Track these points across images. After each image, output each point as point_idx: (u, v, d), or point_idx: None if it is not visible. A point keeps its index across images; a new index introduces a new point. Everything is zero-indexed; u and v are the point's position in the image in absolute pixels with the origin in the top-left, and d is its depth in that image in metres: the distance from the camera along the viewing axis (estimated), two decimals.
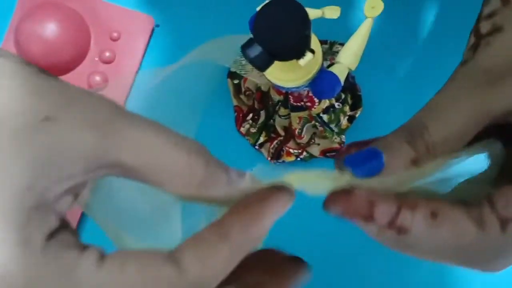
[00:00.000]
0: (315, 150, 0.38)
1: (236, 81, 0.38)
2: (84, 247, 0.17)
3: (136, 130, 0.18)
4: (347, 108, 0.38)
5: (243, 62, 0.34)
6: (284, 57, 0.26)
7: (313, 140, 0.38)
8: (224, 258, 0.18)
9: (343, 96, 0.37)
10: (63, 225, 0.18)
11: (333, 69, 0.29)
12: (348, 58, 0.30)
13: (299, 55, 0.26)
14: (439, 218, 0.21)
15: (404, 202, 0.21)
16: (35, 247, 0.16)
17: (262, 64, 0.26)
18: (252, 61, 0.26)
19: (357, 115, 0.38)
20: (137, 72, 0.41)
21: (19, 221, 0.16)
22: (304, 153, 0.38)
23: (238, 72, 0.34)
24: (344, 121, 0.38)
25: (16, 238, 0.16)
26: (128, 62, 0.41)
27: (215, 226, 0.19)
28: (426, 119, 0.22)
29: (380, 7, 0.30)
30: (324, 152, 0.39)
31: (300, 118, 0.36)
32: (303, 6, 0.25)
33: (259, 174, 0.21)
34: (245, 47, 0.25)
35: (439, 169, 0.22)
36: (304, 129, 0.37)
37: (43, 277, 0.16)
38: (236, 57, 0.34)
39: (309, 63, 0.27)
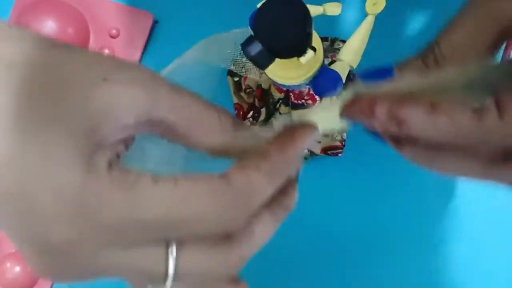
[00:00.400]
0: (316, 147, 0.38)
1: (236, 79, 0.38)
2: (139, 173, 0.20)
3: (175, 91, 0.22)
4: None
5: (244, 60, 0.34)
6: (285, 55, 0.26)
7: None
8: (266, 173, 0.21)
9: (344, 93, 0.36)
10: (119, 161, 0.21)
11: (335, 66, 0.29)
12: (349, 55, 0.30)
13: (300, 52, 0.26)
14: (438, 109, 0.21)
15: (404, 98, 0.22)
16: (101, 170, 0.19)
17: (262, 62, 0.25)
18: (252, 59, 0.25)
19: None
20: None
21: (87, 151, 0.19)
22: (305, 151, 0.38)
23: (238, 72, 0.34)
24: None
25: (85, 162, 0.19)
26: (128, 59, 0.40)
27: (255, 153, 0.22)
28: (438, 37, 0.24)
29: (382, 4, 0.29)
30: (325, 150, 0.39)
31: None
32: (304, 3, 0.25)
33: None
34: (245, 45, 0.25)
35: (447, 79, 0.23)
36: None
37: (109, 192, 0.19)
38: (236, 56, 0.34)
39: (310, 60, 0.26)
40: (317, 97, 0.34)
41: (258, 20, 0.25)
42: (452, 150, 0.23)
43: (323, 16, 0.30)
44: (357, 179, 0.41)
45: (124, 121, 0.20)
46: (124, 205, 0.19)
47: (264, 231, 0.22)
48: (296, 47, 0.26)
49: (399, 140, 0.24)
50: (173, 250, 0.20)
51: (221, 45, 0.32)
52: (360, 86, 0.25)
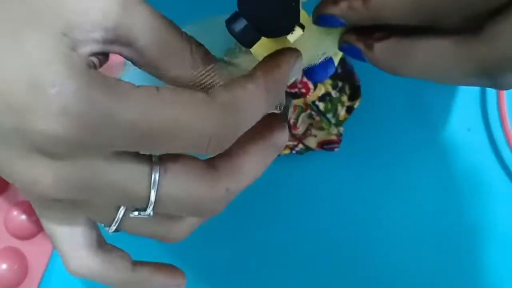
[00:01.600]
0: (311, 142, 0.37)
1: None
2: (119, 79, 0.20)
3: (151, 14, 0.20)
4: (345, 98, 0.37)
5: (237, 51, 0.33)
6: (271, 32, 0.25)
7: (309, 132, 0.37)
8: (251, 93, 0.20)
9: (340, 84, 0.35)
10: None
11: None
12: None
13: (287, 30, 0.25)
14: None
15: None
16: (80, 67, 0.18)
17: (248, 40, 0.24)
18: (237, 36, 0.24)
19: (355, 106, 0.37)
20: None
21: (64, 49, 0.18)
22: (300, 146, 0.37)
23: (231, 61, 0.33)
24: (342, 112, 0.37)
25: (64, 59, 0.18)
26: None
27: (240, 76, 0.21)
28: None
29: None
30: (321, 144, 0.38)
31: (295, 106, 0.35)
32: None
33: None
34: (230, 22, 0.24)
35: None
36: (300, 119, 0.36)
37: (88, 89, 0.18)
38: (230, 44, 0.33)
39: (300, 41, 0.26)
40: (311, 85, 0.34)
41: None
42: (422, 33, 0.21)
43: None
44: (353, 175, 0.41)
45: (94, 35, 0.19)
46: (103, 103, 0.18)
47: (252, 168, 0.22)
48: (281, 23, 0.24)
49: (371, 44, 0.23)
50: (156, 169, 0.20)
51: (212, 31, 0.31)
52: None
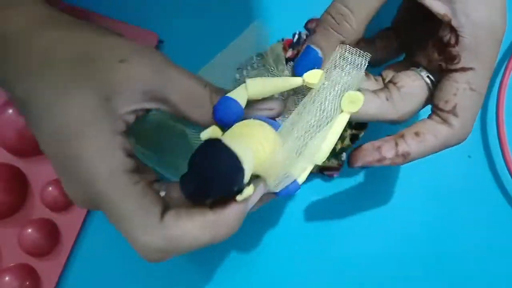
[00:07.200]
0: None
1: None
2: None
3: (180, 75, 0.27)
4: (349, 131, 0.38)
5: (242, 78, 0.34)
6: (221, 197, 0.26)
7: None
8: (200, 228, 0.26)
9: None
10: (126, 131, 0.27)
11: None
12: (324, 157, 0.28)
13: (236, 194, 0.26)
14: (421, 133, 0.30)
15: (395, 136, 0.30)
16: (111, 133, 0.26)
17: (199, 201, 0.26)
18: (187, 198, 0.26)
19: (360, 135, 0.38)
20: None
21: (99, 115, 0.25)
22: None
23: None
24: (346, 141, 0.38)
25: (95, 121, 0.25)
26: None
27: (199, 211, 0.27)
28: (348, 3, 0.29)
29: (359, 102, 0.28)
30: (321, 170, 0.38)
31: None
32: (236, 160, 0.24)
33: None
34: (183, 181, 0.25)
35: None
36: None
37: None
38: (235, 75, 0.34)
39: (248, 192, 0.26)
40: None
41: (193, 165, 0.25)
42: None
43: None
44: (351, 200, 0.41)
45: (135, 97, 0.26)
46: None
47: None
48: (230, 191, 0.25)
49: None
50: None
51: (219, 69, 0.32)
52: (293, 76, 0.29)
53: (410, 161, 0.30)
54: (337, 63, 0.29)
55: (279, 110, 0.29)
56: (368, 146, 0.31)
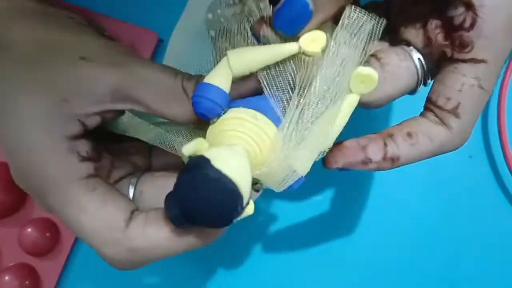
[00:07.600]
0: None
1: None
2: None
3: (145, 69, 0.24)
4: None
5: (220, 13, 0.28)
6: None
7: None
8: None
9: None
10: (85, 134, 0.24)
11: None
12: (331, 142, 0.25)
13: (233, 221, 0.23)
14: (414, 134, 0.25)
15: (383, 134, 0.25)
16: (59, 137, 0.23)
17: (180, 225, 0.23)
18: (172, 221, 0.23)
19: None
20: None
21: (51, 117, 0.23)
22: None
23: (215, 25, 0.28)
24: None
25: (45, 126, 0.23)
26: None
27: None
28: None
29: (372, 83, 0.23)
30: None
31: None
32: (230, 187, 0.21)
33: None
34: (169, 200, 0.22)
35: None
36: None
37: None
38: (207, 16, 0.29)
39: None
40: None
41: (178, 191, 0.22)
42: None
43: None
44: (349, 200, 0.41)
45: (97, 98, 0.23)
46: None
47: None
48: (230, 220, 0.22)
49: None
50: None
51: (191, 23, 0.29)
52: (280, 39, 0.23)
53: (398, 167, 0.26)
54: (344, 27, 0.23)
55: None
56: (351, 143, 0.25)
